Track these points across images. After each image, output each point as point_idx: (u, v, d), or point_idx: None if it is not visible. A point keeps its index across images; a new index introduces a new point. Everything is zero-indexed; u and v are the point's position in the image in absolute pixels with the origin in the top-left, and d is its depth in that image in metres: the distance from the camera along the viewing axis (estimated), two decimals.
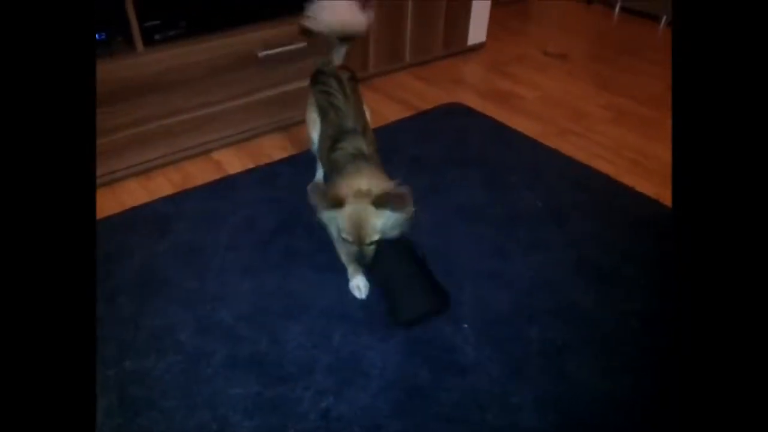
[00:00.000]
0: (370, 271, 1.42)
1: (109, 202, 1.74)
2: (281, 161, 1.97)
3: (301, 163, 1.95)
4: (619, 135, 2.21)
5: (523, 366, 1.27)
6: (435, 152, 2.05)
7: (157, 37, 1.74)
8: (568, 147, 2.10)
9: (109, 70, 1.65)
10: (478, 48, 2.93)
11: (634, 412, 1.18)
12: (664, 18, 3.32)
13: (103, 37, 1.68)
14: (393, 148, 2.04)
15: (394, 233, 1.37)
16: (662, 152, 2.09)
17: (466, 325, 1.36)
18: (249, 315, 1.38)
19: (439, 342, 1.32)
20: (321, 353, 1.29)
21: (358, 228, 1.31)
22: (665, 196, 1.82)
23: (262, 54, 1.91)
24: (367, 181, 1.33)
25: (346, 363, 1.26)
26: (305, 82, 2.08)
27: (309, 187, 1.36)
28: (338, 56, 1.66)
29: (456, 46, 2.82)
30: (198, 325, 1.35)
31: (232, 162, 1.97)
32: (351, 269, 1.47)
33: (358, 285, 1.44)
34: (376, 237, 1.32)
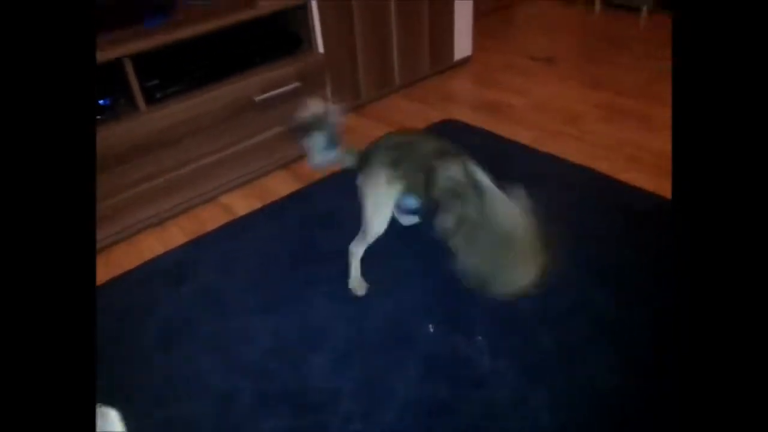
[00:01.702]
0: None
1: (129, 257, 1.82)
2: (287, 197, 2.05)
3: (306, 196, 2.02)
4: (612, 132, 2.26)
5: (538, 370, 1.32)
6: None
7: (158, 95, 1.83)
8: (564, 149, 2.15)
9: (117, 132, 1.74)
10: (465, 62, 3.01)
11: (649, 409, 1.22)
12: (645, 8, 3.38)
13: (107, 102, 1.77)
14: None
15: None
16: (656, 144, 2.13)
17: (479, 337, 1.41)
18: (273, 350, 1.44)
19: (454, 357, 1.37)
20: (345, 380, 1.34)
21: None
22: (664, 188, 1.86)
23: (258, 98, 2.00)
24: None
25: (369, 387, 1.32)
26: None
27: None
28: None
29: (443, 63, 2.90)
30: (225, 366, 1.41)
31: (240, 204, 2.05)
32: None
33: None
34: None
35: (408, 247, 1.73)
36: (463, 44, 2.94)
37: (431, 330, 1.44)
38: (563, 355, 1.35)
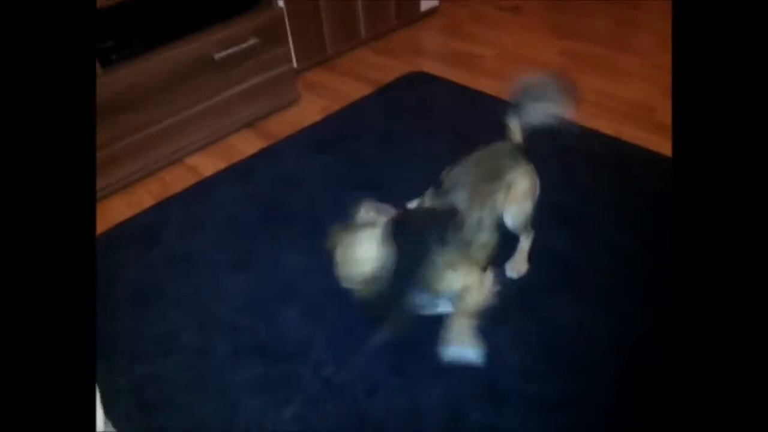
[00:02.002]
0: None
1: (97, 222, 1.81)
2: (252, 156, 2.04)
3: (272, 154, 2.01)
4: (577, 79, 2.26)
5: (504, 310, 1.36)
6: (402, 124, 2.12)
7: (113, 57, 1.79)
8: None
9: None
10: (432, 13, 2.96)
11: (609, 343, 1.28)
12: None
13: None
14: (361, 126, 2.11)
15: None
16: (619, 90, 2.16)
17: None
18: (245, 306, 1.46)
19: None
20: (317, 330, 1.38)
21: None
22: (625, 133, 1.90)
23: (218, 56, 1.96)
24: None
25: (341, 335, 1.35)
26: (263, 77, 2.14)
27: None
28: None
29: (410, 15, 2.85)
30: (198, 324, 1.43)
31: (206, 165, 2.04)
32: None
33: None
34: None
35: None
36: None
37: None
38: (527, 295, 1.39)
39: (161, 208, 1.84)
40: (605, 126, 1.95)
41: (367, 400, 1.22)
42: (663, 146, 1.81)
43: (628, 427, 1.14)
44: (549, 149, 1.87)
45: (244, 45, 2.00)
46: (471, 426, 1.16)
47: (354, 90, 2.38)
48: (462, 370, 1.25)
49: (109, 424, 1.05)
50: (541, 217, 1.61)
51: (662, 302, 1.34)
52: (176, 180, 1.98)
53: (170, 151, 2.02)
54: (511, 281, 1.44)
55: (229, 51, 1.97)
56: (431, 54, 2.68)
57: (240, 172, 1.96)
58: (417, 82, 2.40)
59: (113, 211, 1.85)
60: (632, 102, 2.08)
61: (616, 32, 2.60)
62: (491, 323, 1.33)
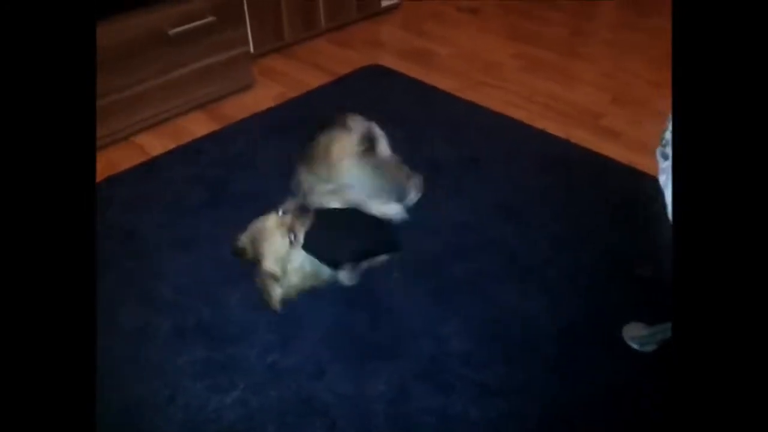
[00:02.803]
0: None
1: None
2: (202, 138, 1.99)
3: (223, 138, 1.97)
4: (530, 82, 2.33)
5: (451, 299, 1.39)
6: (357, 114, 2.11)
7: None
8: (483, 98, 2.20)
9: None
10: (392, 9, 2.97)
11: (550, 328, 1.32)
12: None
13: None
14: (316, 114, 2.09)
15: None
16: (570, 95, 2.23)
17: (396, 274, 1.45)
18: (189, 287, 1.43)
19: (371, 290, 1.41)
20: (262, 314, 1.35)
21: None
22: (573, 135, 1.97)
23: (173, 32, 1.90)
24: None
25: (287, 320, 1.33)
26: (218, 58, 2.09)
27: None
28: None
29: (370, 8, 2.85)
30: (140, 302, 1.39)
31: (154, 144, 1.97)
32: None
33: None
34: None
35: None
36: None
37: (396, 276, 1.44)
38: (473, 287, 1.42)
39: (106, 185, 1.77)
40: (554, 128, 2.01)
41: (312, 385, 1.21)
42: (607, 149, 1.88)
43: (568, 413, 1.17)
44: (503, 148, 1.92)
45: (200, 22, 1.95)
46: (416, 410, 1.17)
47: (310, 78, 2.36)
48: (406, 353, 1.26)
49: None
50: (488, 212, 1.65)
51: (598, 292, 1.40)
52: (122, 158, 1.90)
53: (118, 128, 1.94)
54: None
55: (185, 27, 1.92)
56: (389, 48, 2.69)
57: (189, 152, 1.91)
58: (373, 74, 2.40)
59: None
60: (582, 106, 2.15)
61: (570, 40, 2.69)
62: (438, 313, 1.35)
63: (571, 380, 1.22)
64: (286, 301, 1.28)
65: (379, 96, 2.24)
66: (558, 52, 2.56)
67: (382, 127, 2.00)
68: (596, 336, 1.30)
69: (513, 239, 1.56)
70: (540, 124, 2.04)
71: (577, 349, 1.28)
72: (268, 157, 1.87)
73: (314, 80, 2.34)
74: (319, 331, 1.32)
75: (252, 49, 2.32)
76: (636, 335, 1.26)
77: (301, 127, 1.99)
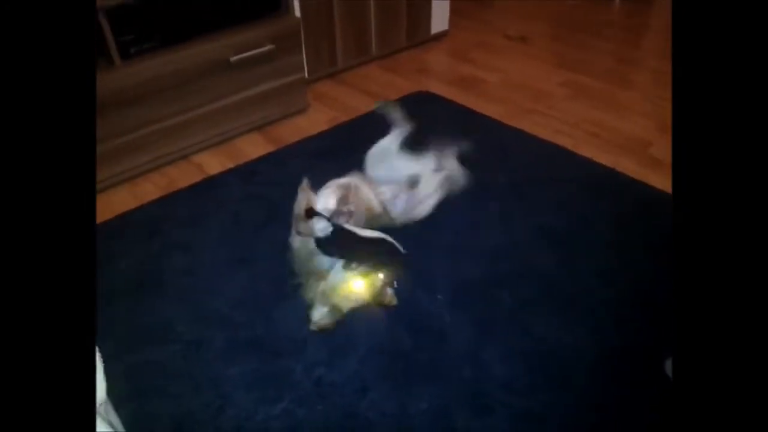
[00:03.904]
0: None
1: (101, 210, 1.84)
2: (259, 159, 2.08)
3: (278, 159, 2.06)
4: (576, 110, 2.34)
5: (493, 326, 1.41)
6: (405, 139, 2.16)
7: (132, 50, 1.84)
8: (530, 125, 2.23)
9: None
10: (441, 36, 3.05)
11: (589, 359, 1.32)
12: None
13: None
14: (365, 139, 2.15)
15: None
16: (616, 123, 2.23)
17: (440, 296, 1.49)
18: (243, 302, 1.49)
19: (417, 312, 1.45)
20: (311, 330, 1.41)
21: None
22: (620, 164, 1.96)
23: (234, 59, 2.01)
24: None
25: (335, 336, 1.38)
26: (275, 84, 2.20)
27: None
28: None
29: (420, 36, 2.94)
30: (195, 317, 1.46)
31: (212, 164, 2.08)
32: None
33: None
34: None
35: None
36: (440, 19, 2.97)
37: (439, 298, 1.49)
38: (516, 314, 1.44)
39: (165, 201, 1.88)
40: (601, 156, 2.01)
41: (356, 402, 1.25)
42: (654, 179, 1.87)
43: None
44: (548, 175, 1.94)
45: (259, 50, 2.06)
46: (456, 431, 1.19)
47: (360, 103, 2.44)
48: (446, 377, 1.29)
49: (111, 409, 1.06)
50: (532, 239, 1.67)
51: (641, 325, 1.40)
52: (182, 176, 2.01)
53: (178, 148, 2.06)
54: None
55: (245, 54, 2.03)
56: (437, 75, 2.75)
57: (245, 172, 2.01)
58: (422, 100, 2.46)
59: (118, 202, 1.88)
60: (629, 135, 2.15)
61: (617, 68, 2.69)
62: (480, 337, 1.38)
63: (610, 412, 1.22)
64: (334, 322, 1.34)
65: (426, 122, 2.29)
66: (605, 80, 2.56)
67: (429, 150, 2.06)
68: (637, 369, 1.29)
69: (556, 268, 1.57)
70: (586, 152, 2.05)
71: (617, 382, 1.28)
72: (320, 178, 1.94)
73: (363, 105, 2.42)
74: (364, 349, 1.36)
75: (306, 75, 2.42)
76: None
77: (349, 150, 2.07)
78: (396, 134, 1.80)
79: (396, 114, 1.81)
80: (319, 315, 1.36)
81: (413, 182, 1.71)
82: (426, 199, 1.69)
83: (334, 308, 1.36)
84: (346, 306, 1.36)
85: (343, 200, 1.51)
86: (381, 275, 1.38)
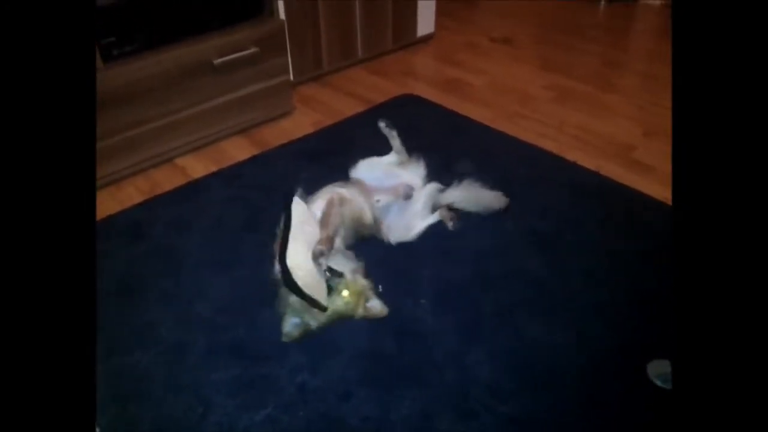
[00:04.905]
0: None
1: None
2: (243, 162, 2.07)
3: (263, 162, 2.05)
4: (561, 113, 2.36)
5: (478, 328, 1.41)
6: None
7: (114, 52, 1.82)
8: (516, 128, 2.24)
9: None
10: (427, 39, 3.05)
11: (577, 361, 1.33)
12: None
13: None
14: (350, 141, 2.16)
15: None
16: (601, 127, 2.25)
17: (423, 301, 1.48)
18: (225, 306, 1.49)
19: (400, 316, 1.44)
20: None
21: None
22: (604, 167, 1.98)
23: (217, 61, 2.00)
24: None
25: (318, 341, 1.38)
26: (259, 86, 2.19)
27: None
28: None
29: (406, 39, 2.94)
30: (178, 320, 1.45)
31: (196, 167, 2.06)
32: None
33: None
34: None
35: None
36: (425, 22, 2.98)
37: (423, 302, 1.49)
38: (501, 314, 1.44)
39: (149, 205, 1.86)
40: (585, 160, 2.03)
41: (340, 407, 1.25)
42: (638, 183, 1.89)
43: None
44: (532, 178, 1.95)
45: (244, 52, 2.05)
46: None
47: (346, 106, 2.43)
48: (430, 380, 1.29)
49: None
50: (518, 242, 1.68)
51: (625, 327, 1.41)
52: (165, 179, 2.00)
53: (162, 151, 2.04)
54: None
55: (229, 57, 2.02)
56: (423, 78, 2.76)
57: (230, 176, 1.99)
58: (408, 103, 2.47)
59: (101, 205, 1.86)
60: (613, 139, 2.17)
61: (602, 71, 2.72)
62: (465, 341, 1.38)
63: (594, 415, 1.22)
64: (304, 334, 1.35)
65: (411, 124, 2.29)
66: (590, 83, 2.58)
67: (414, 154, 2.07)
68: (621, 371, 1.30)
69: (541, 270, 1.57)
70: (571, 155, 2.06)
71: (601, 384, 1.28)
72: (305, 181, 1.93)
73: (350, 108, 2.42)
74: (347, 353, 1.36)
75: (291, 78, 2.41)
76: (660, 372, 1.26)
77: (335, 154, 2.07)
78: (391, 157, 1.84)
79: (395, 141, 1.83)
80: (290, 326, 1.35)
81: (408, 194, 1.72)
82: (416, 218, 1.70)
83: (304, 320, 1.35)
84: (325, 320, 1.35)
85: (324, 219, 1.50)
86: (366, 285, 1.40)
